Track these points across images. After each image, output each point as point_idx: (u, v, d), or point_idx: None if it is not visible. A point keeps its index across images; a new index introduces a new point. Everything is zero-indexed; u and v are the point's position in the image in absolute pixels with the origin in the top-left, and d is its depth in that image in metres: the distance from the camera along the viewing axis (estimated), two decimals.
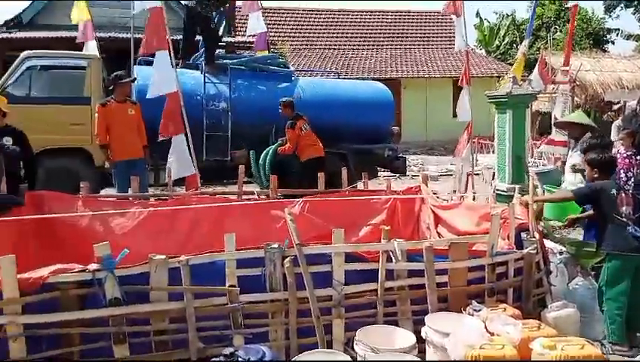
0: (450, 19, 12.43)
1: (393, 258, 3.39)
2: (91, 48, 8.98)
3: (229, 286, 3.10)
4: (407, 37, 22.83)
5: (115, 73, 6.47)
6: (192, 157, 6.65)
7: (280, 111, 7.30)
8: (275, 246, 3.18)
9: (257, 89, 8.06)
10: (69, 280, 2.87)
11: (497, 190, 6.44)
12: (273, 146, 7.39)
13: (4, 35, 13.11)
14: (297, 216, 4.74)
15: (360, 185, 5.92)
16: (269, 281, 3.16)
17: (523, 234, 3.90)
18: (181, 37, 10.47)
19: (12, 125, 5.09)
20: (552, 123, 9.22)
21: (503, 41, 26.15)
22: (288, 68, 9.08)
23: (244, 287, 3.14)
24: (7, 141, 4.70)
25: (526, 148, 7.07)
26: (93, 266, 2.90)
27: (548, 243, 4.29)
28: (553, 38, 16.63)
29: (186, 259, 3.06)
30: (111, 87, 6.53)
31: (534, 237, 3.84)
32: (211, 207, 4.75)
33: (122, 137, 6.26)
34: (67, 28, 9.86)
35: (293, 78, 8.60)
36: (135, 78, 7.01)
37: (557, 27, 23.61)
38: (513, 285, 3.65)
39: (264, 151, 7.40)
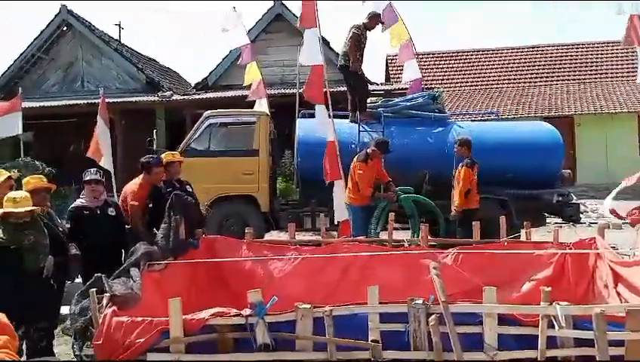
0: (632, 50, 11.08)
1: (555, 324, 3.01)
2: (261, 105, 9.97)
3: (372, 340, 3.05)
4: (579, 71, 20.90)
5: (378, 141, 6.96)
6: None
7: (455, 150, 6.96)
8: (420, 301, 3.06)
9: (410, 135, 8.04)
10: (225, 323, 3.11)
11: None
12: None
13: (195, 97, 15.25)
14: (448, 268, 4.53)
15: (522, 235, 5.44)
16: (412, 339, 3.04)
17: None
18: (341, 88, 11.12)
19: (180, 178, 5.73)
20: None
21: None
22: (444, 112, 8.93)
23: (388, 343, 3.06)
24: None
25: None
26: (246, 311, 3.10)
27: None
28: None
29: (329, 310, 3.10)
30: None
31: None
32: (360, 256, 4.78)
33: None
34: (246, 87, 11.10)
35: (448, 122, 8.42)
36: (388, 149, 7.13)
37: None
38: None
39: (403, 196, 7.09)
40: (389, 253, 5.00)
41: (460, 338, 2.97)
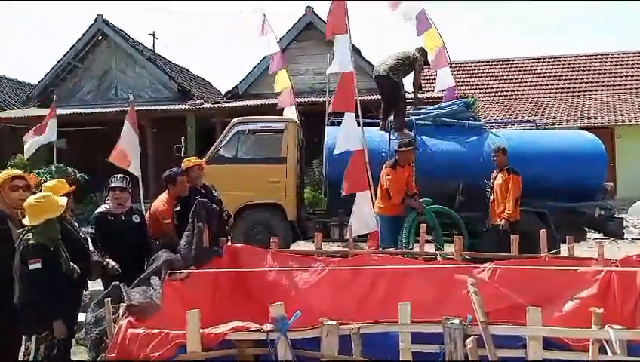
0: None
1: (608, 349, 2.71)
2: (290, 113, 9.86)
3: None
4: (618, 80, 20.15)
5: (400, 143, 6.73)
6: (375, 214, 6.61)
7: (493, 159, 6.69)
8: (456, 321, 2.81)
9: (443, 144, 7.76)
10: (245, 338, 2.93)
11: None
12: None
13: (225, 105, 15.30)
14: (484, 283, 4.24)
15: (563, 251, 5.09)
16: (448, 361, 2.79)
17: None
18: (371, 97, 10.92)
19: (205, 183, 5.57)
20: None
21: None
22: (478, 120, 8.62)
23: None
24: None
25: None
26: (267, 327, 2.91)
27: None
28: None
29: (357, 327, 2.88)
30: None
31: None
32: (390, 269, 4.54)
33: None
34: (276, 96, 11.07)
35: (483, 130, 8.10)
36: (417, 147, 7.05)
37: None
38: None
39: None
40: (420, 266, 4.73)
41: None
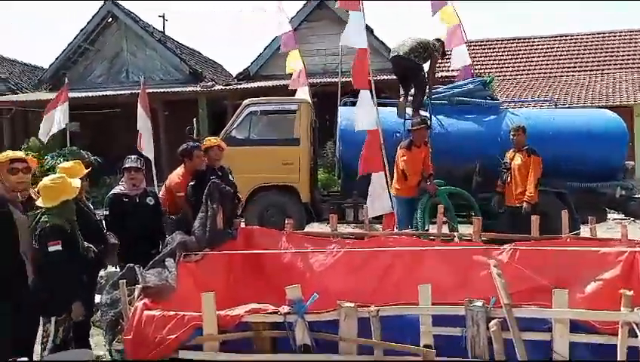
0: None
1: (638, 331, 2.61)
2: (302, 94, 9.71)
3: (424, 345, 2.74)
4: (637, 59, 19.62)
5: (413, 122, 6.58)
6: (390, 196, 6.51)
7: (512, 138, 6.45)
8: (479, 304, 2.72)
9: (459, 123, 7.58)
10: (262, 321, 2.87)
11: None
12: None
13: (236, 87, 15.17)
14: (504, 265, 4.14)
15: (583, 232, 4.97)
16: (470, 345, 2.71)
17: None
18: (384, 77, 10.73)
19: (222, 165, 5.50)
20: None
21: None
22: (496, 99, 8.42)
23: (441, 348, 2.75)
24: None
25: None
26: (284, 309, 2.86)
27: None
28: None
29: (376, 310, 2.81)
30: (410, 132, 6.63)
31: None
32: (407, 250, 4.45)
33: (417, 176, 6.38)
34: (287, 77, 10.92)
35: (501, 110, 7.91)
36: (430, 125, 6.96)
37: None
38: None
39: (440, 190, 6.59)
40: (438, 247, 4.64)
41: (525, 346, 2.62)
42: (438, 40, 8.18)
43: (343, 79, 8.75)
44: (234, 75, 17.54)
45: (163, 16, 22.46)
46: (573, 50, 20.58)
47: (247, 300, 3.13)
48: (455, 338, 2.76)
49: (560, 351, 2.63)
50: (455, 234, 5.13)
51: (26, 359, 2.57)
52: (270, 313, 2.89)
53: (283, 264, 4.74)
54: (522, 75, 20.10)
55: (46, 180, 3.51)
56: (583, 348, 2.65)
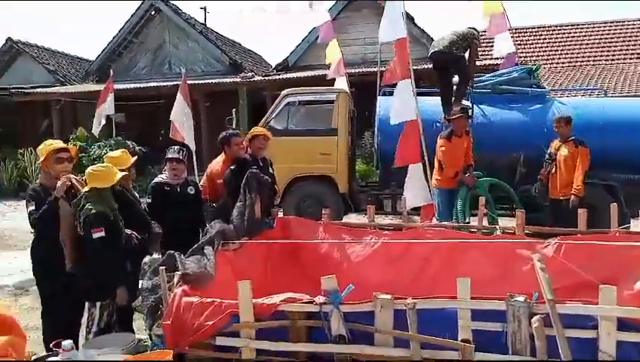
0: None
1: None
2: (341, 83, 9.66)
3: (462, 340, 2.68)
4: None
5: (453, 112, 6.46)
6: (429, 187, 6.40)
7: (557, 129, 6.16)
8: (521, 299, 2.63)
9: (503, 113, 7.36)
10: (298, 310, 2.88)
11: None
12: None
13: (275, 77, 15.24)
14: (548, 259, 4.00)
15: (634, 226, 4.75)
16: (511, 342, 2.62)
17: None
18: (423, 67, 10.51)
19: (265, 156, 5.53)
20: None
21: None
22: (542, 87, 8.12)
23: (480, 344, 2.68)
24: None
25: None
26: (320, 299, 2.85)
27: None
28: None
29: (413, 303, 2.76)
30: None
31: None
32: (446, 242, 4.36)
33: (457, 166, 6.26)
34: (325, 67, 10.88)
35: (547, 99, 7.62)
36: (470, 114, 6.85)
37: None
38: None
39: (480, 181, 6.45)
40: (480, 240, 4.52)
41: (569, 343, 2.52)
42: (474, 28, 7.95)
43: (382, 68, 8.63)
44: (273, 66, 17.63)
45: (204, 9, 22.73)
46: (630, 37, 19.56)
47: (284, 289, 3.14)
48: (495, 334, 2.68)
49: (606, 350, 2.51)
50: (497, 226, 4.99)
51: (70, 341, 2.66)
52: (306, 302, 2.89)
53: (320, 254, 4.73)
54: (573, 62, 19.27)
55: (97, 167, 3.68)
56: (630, 347, 2.53)
